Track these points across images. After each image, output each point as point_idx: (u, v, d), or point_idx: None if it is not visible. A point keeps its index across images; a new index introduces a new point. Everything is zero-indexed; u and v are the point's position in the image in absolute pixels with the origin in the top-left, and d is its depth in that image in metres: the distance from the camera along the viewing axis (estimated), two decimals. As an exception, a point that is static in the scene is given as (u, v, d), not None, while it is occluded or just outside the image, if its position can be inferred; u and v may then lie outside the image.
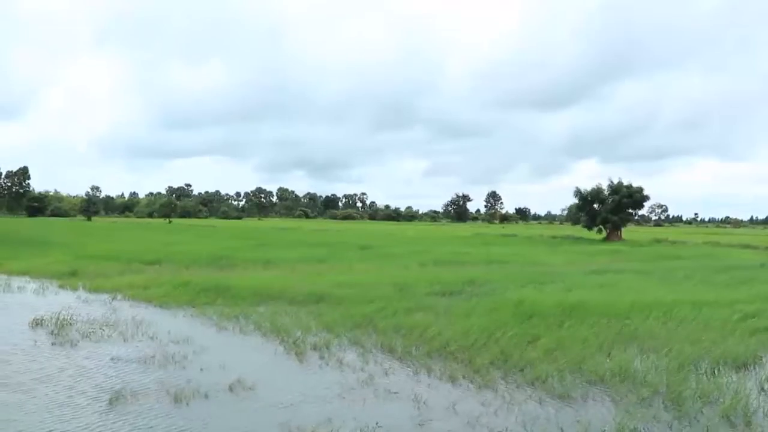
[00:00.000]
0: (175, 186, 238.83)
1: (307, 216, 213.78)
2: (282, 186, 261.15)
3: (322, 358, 9.40)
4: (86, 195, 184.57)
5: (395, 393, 7.66)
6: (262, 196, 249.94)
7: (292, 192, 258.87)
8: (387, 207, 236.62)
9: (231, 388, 7.72)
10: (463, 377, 8.29)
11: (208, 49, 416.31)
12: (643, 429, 6.46)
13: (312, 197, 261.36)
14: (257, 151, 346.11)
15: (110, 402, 7.10)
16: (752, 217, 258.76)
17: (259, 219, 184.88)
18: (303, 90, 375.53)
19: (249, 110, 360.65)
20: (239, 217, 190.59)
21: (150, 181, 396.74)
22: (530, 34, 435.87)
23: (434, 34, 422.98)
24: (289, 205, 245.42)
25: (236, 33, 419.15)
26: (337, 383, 8.08)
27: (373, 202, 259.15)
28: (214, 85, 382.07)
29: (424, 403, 7.24)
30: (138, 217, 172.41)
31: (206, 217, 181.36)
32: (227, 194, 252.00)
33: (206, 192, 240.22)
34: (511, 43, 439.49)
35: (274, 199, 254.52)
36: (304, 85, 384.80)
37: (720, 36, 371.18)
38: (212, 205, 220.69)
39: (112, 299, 15.16)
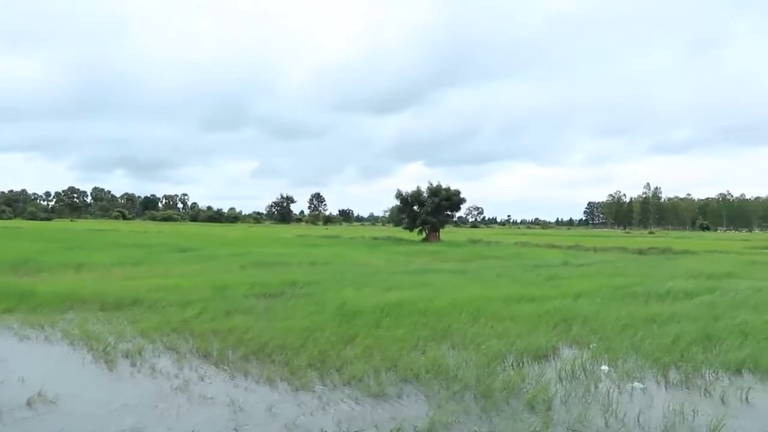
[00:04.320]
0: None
1: (124, 217, 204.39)
2: (98, 186, 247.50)
3: (134, 365, 8.89)
4: None
5: (210, 398, 7.39)
6: (75, 196, 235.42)
7: (108, 192, 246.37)
8: (209, 208, 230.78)
9: (29, 403, 7.03)
10: (281, 379, 8.18)
11: (30, 41, 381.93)
12: (455, 422, 6.69)
13: (130, 198, 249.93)
14: (75, 148, 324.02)
15: None
16: (558, 218, 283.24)
17: (71, 220, 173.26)
18: (131, 87, 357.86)
19: (70, 106, 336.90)
20: (49, 218, 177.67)
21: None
22: (371, 40, 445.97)
23: (274, 35, 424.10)
24: (105, 205, 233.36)
25: (64, 26, 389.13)
26: (149, 391, 7.66)
27: (195, 203, 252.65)
28: (32, 78, 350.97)
29: (240, 407, 7.04)
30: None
31: (11, 218, 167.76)
32: (35, 194, 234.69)
33: (11, 191, 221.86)
34: (352, 48, 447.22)
35: (89, 199, 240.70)
36: (133, 82, 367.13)
37: (543, 51, 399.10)
38: (18, 205, 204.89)
39: None
